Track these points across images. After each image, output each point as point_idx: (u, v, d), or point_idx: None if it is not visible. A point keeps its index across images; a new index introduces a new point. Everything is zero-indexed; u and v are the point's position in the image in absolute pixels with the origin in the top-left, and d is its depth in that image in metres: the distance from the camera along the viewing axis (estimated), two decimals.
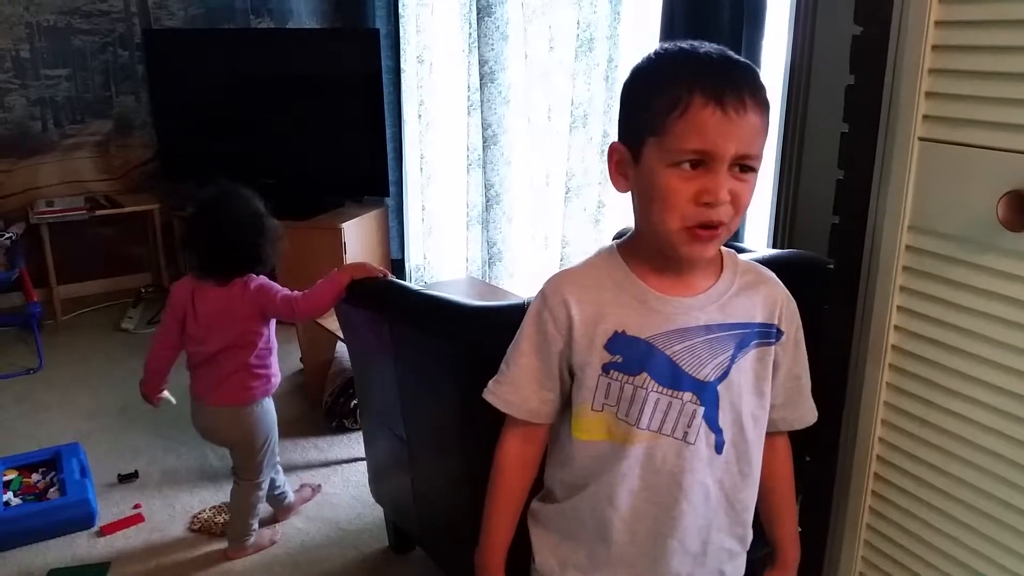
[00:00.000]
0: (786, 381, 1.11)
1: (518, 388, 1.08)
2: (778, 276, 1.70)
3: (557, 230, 3.20)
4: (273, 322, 2.13)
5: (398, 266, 4.15)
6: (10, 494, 2.38)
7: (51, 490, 2.42)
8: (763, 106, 0.95)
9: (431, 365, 1.64)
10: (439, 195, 3.89)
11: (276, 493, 2.31)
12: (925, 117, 1.22)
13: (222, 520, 2.31)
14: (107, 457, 2.67)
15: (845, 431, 1.43)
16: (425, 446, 1.77)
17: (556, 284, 1.06)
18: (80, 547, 2.26)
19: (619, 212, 3.04)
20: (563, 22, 3.07)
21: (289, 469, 2.62)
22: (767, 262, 1.77)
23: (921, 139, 1.23)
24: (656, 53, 1.01)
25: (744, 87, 0.93)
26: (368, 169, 3.86)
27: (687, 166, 0.93)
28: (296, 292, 2.01)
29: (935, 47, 1.19)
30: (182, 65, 4.01)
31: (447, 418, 1.61)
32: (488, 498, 1.13)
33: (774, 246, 2.18)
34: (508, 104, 3.31)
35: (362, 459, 2.60)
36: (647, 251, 1.03)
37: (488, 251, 3.53)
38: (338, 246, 3.72)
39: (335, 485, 2.54)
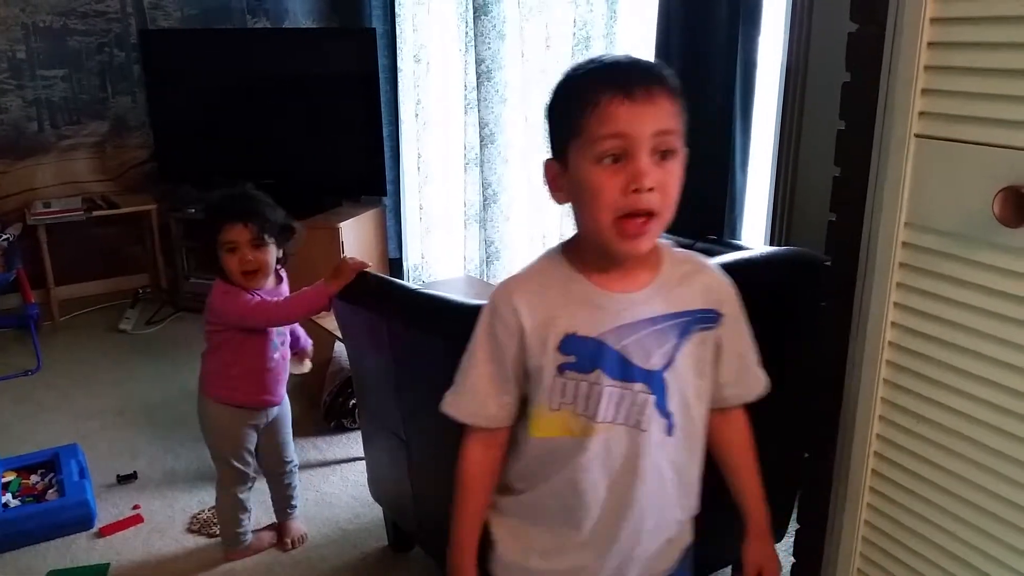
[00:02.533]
0: (732, 360, 1.16)
1: (476, 396, 1.11)
2: (775, 273, 1.72)
3: (555, 229, 3.21)
4: (270, 345, 2.07)
5: (396, 265, 4.15)
6: (9, 496, 2.38)
7: (50, 491, 2.42)
8: (672, 92, 1.00)
9: (429, 364, 1.64)
10: (437, 194, 3.89)
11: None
12: (921, 114, 1.22)
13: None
14: (106, 458, 2.67)
15: (842, 428, 1.43)
16: (424, 445, 1.77)
17: (504, 292, 1.09)
18: (79, 548, 2.26)
19: None
20: (560, 20, 3.07)
21: None
22: (764, 260, 1.78)
23: (917, 136, 1.23)
24: (566, 73, 1.07)
25: (650, 77, 0.98)
26: (365, 168, 3.86)
27: (609, 160, 0.97)
28: (274, 298, 2.02)
29: (931, 44, 1.19)
30: (178, 65, 4.01)
31: (446, 417, 1.61)
32: (457, 505, 1.16)
33: (771, 243, 2.19)
34: (505, 103, 3.31)
35: (361, 459, 2.61)
36: (590, 252, 1.07)
37: (486, 250, 3.53)
38: (336, 246, 3.72)
39: (334, 485, 2.54)
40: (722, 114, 2.19)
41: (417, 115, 3.82)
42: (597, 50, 2.88)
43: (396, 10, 3.78)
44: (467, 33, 3.42)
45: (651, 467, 1.09)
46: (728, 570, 2.04)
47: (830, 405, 1.45)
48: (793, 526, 1.74)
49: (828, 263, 1.44)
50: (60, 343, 3.67)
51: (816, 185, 2.10)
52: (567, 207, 1.06)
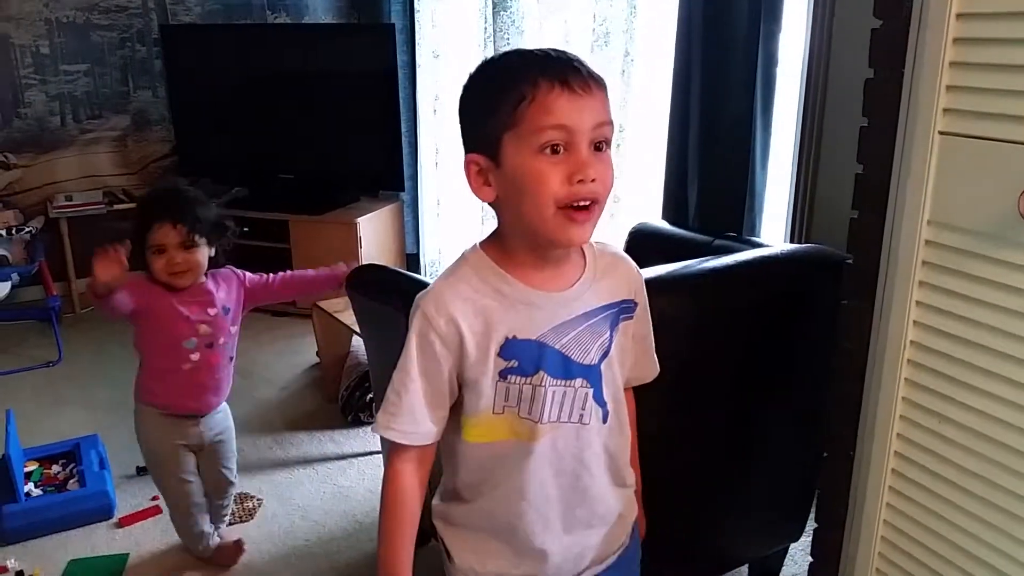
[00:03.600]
0: (636, 344, 1.17)
1: (414, 415, 1.05)
2: (796, 271, 1.71)
3: None
4: (182, 342, 1.98)
5: (413, 260, 4.16)
6: (31, 485, 2.41)
7: (71, 481, 2.45)
8: (604, 87, 1.00)
9: None
10: (454, 189, 3.89)
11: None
12: (946, 111, 1.21)
13: (232, 510, 2.32)
14: (125, 450, 2.68)
15: (862, 427, 1.42)
16: (441, 439, 1.78)
17: (437, 302, 1.03)
18: (99, 538, 2.29)
19: (634, 207, 3.03)
20: (579, 16, 3.07)
21: (306, 462, 2.65)
22: (785, 257, 1.77)
23: (941, 133, 1.22)
24: (485, 63, 1.05)
25: (584, 70, 0.98)
26: (383, 164, 3.87)
27: (549, 151, 0.96)
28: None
29: (956, 40, 1.18)
30: (199, 60, 4.03)
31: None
32: (387, 531, 1.09)
33: (791, 241, 2.18)
34: None
35: (378, 452, 2.62)
36: (521, 252, 1.04)
37: None
38: (354, 241, 3.74)
39: (351, 478, 2.56)
40: (742, 111, 2.18)
41: (435, 111, 3.82)
42: (617, 45, 2.87)
43: (415, 6, 3.78)
44: (486, 28, 3.42)
45: (594, 456, 1.10)
46: (744, 570, 2.04)
47: (850, 405, 1.44)
48: (811, 525, 1.74)
49: (850, 261, 1.43)
50: (81, 335, 3.70)
51: (837, 183, 2.08)
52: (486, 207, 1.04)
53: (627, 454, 1.18)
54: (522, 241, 1.03)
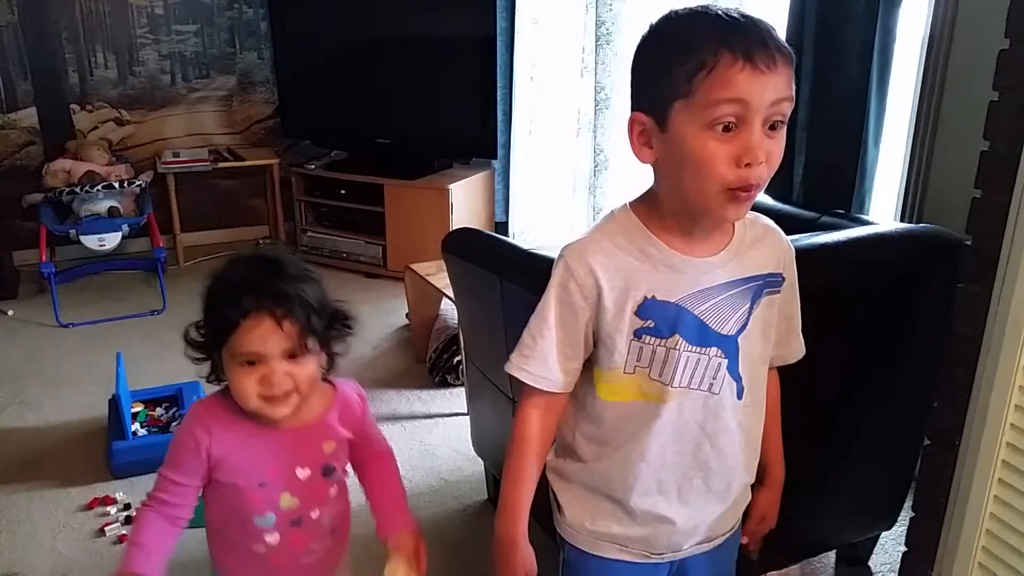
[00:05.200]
0: (782, 322, 1.14)
1: (546, 361, 1.07)
2: (909, 251, 1.65)
3: None
4: (254, 517, 1.24)
5: (501, 228, 4.18)
6: (137, 425, 2.54)
7: (173, 424, 2.57)
8: (790, 59, 0.94)
9: None
10: (546, 159, 3.88)
11: None
12: None
13: None
14: None
15: (972, 416, 1.37)
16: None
17: (580, 254, 1.04)
18: None
19: None
20: None
21: (395, 419, 2.71)
22: (899, 236, 1.71)
23: None
24: (667, 17, 0.98)
25: (771, 40, 0.92)
26: (478, 131, 3.88)
27: (721, 128, 0.92)
28: None
29: None
30: (303, 24, 4.11)
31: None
32: (510, 471, 1.12)
33: (902, 220, 2.09)
34: (624, 67, 3.26)
35: (463, 414, 2.66)
36: (671, 216, 1.03)
37: (594, 217, 3.51)
38: (445, 206, 3.77)
39: (438, 437, 2.61)
40: (857, 83, 2.09)
41: (532, 77, 3.80)
42: None
43: None
44: None
45: (722, 430, 1.08)
46: (831, 555, 2.00)
47: (959, 392, 1.38)
48: (905, 515, 1.69)
49: (968, 243, 1.37)
50: (184, 287, 3.85)
51: (954, 162, 1.99)
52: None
53: (759, 437, 1.15)
54: (675, 207, 1.02)
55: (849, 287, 1.53)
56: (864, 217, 2.10)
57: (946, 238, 1.59)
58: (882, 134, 2.14)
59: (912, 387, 1.67)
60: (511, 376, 1.10)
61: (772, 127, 0.94)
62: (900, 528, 1.72)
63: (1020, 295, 1.26)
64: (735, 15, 0.94)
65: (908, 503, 1.70)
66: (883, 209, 2.20)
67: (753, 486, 1.21)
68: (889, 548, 2.00)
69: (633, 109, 1.01)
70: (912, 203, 2.04)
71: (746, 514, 1.24)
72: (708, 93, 0.91)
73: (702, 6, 0.97)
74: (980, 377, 1.35)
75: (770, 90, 0.91)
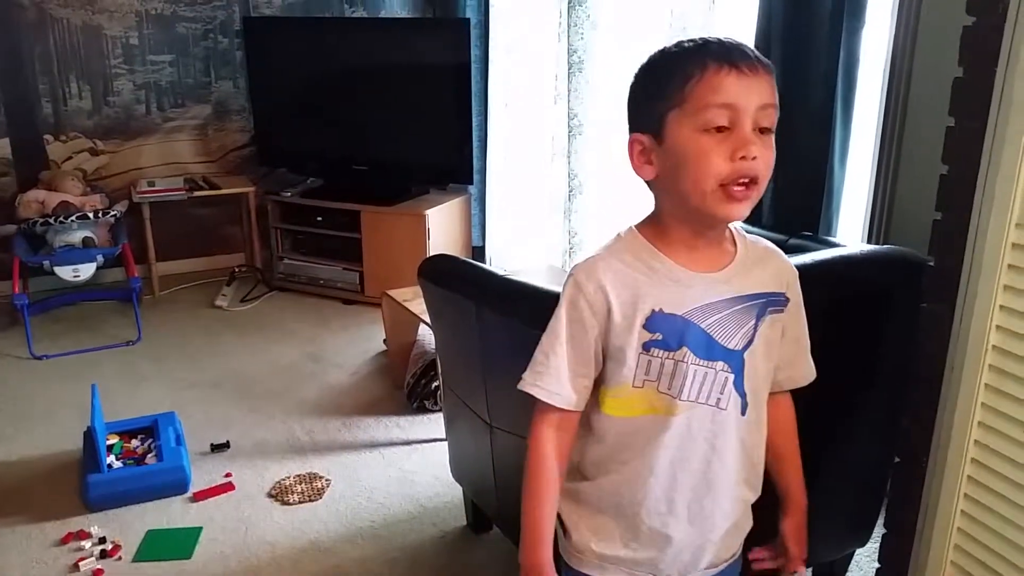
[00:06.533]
0: (790, 344, 1.17)
1: (560, 377, 1.10)
2: (874, 272, 1.68)
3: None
4: None
5: (478, 253, 4.20)
6: (112, 457, 2.52)
7: (149, 456, 2.55)
8: (771, 69, 1.02)
9: (518, 349, 1.66)
10: (521, 184, 3.91)
11: None
12: None
13: (300, 488, 2.38)
14: (201, 427, 2.79)
15: (938, 433, 1.40)
16: (508, 428, 1.80)
17: (589, 271, 1.08)
18: (175, 511, 2.38)
19: None
20: (655, 10, 3.05)
21: (373, 446, 2.71)
22: (864, 258, 1.74)
23: None
24: (659, 51, 1.07)
25: (750, 52, 1.00)
26: (454, 158, 3.91)
27: (714, 130, 0.98)
28: None
29: None
30: (278, 52, 4.13)
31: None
32: (529, 494, 1.14)
33: (869, 242, 2.13)
34: (596, 94, 3.30)
35: (442, 440, 2.65)
36: (676, 231, 1.07)
37: (569, 240, 3.54)
38: (422, 232, 3.79)
39: (416, 463, 2.60)
40: (822, 107, 2.14)
41: (506, 104, 3.84)
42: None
43: (490, 1, 3.80)
44: (560, 23, 3.42)
45: (727, 446, 1.10)
46: (808, 572, 2.01)
47: (926, 409, 1.41)
48: (878, 532, 1.71)
49: (931, 263, 1.40)
50: (160, 316, 3.84)
51: (918, 184, 2.03)
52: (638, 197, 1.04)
53: (762, 453, 1.17)
54: (678, 219, 1.07)
55: (817, 309, 1.56)
56: (832, 239, 2.14)
57: (911, 259, 1.62)
58: (847, 156, 2.19)
59: (881, 405, 1.70)
60: (524, 393, 1.12)
61: (761, 132, 1.00)
62: (873, 545, 1.74)
63: (980, 314, 1.30)
64: (716, 38, 1.02)
65: (881, 520, 1.72)
66: (851, 230, 2.25)
67: (775, 514, 1.22)
68: (864, 565, 2.02)
69: (631, 132, 1.08)
70: (878, 225, 2.08)
71: (749, 541, 1.24)
72: (699, 98, 0.98)
73: (687, 39, 1.05)
74: (945, 395, 1.38)
75: (755, 94, 0.98)
